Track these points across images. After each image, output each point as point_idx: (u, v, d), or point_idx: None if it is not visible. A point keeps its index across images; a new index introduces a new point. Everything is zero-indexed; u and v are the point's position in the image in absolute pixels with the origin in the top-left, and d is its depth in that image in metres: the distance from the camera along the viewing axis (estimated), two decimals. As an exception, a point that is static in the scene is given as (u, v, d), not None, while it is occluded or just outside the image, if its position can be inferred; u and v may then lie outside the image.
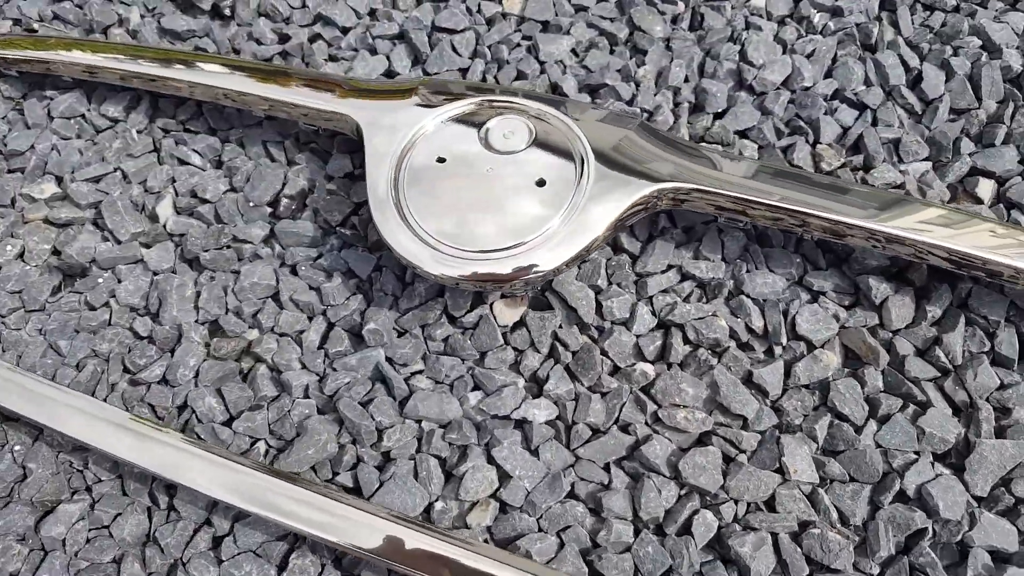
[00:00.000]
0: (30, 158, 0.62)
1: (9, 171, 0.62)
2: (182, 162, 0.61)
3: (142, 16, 0.69)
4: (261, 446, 0.50)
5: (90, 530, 0.48)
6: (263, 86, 0.58)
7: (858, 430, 0.46)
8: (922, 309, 0.49)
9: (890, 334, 0.49)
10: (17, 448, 0.51)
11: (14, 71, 0.67)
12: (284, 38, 0.67)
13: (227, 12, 0.68)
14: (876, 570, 0.42)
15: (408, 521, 0.45)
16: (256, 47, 0.66)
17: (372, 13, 0.68)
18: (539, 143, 0.52)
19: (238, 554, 0.46)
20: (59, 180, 0.62)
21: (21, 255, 0.59)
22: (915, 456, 0.44)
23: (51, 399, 0.50)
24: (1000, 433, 0.45)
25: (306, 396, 0.51)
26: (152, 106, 0.65)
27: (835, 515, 0.44)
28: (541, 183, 0.50)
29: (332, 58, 0.65)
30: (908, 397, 0.46)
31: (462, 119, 0.54)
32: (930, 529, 0.42)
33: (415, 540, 0.43)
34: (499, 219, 0.49)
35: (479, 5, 0.66)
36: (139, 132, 0.64)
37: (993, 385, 0.46)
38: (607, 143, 0.51)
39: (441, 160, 0.52)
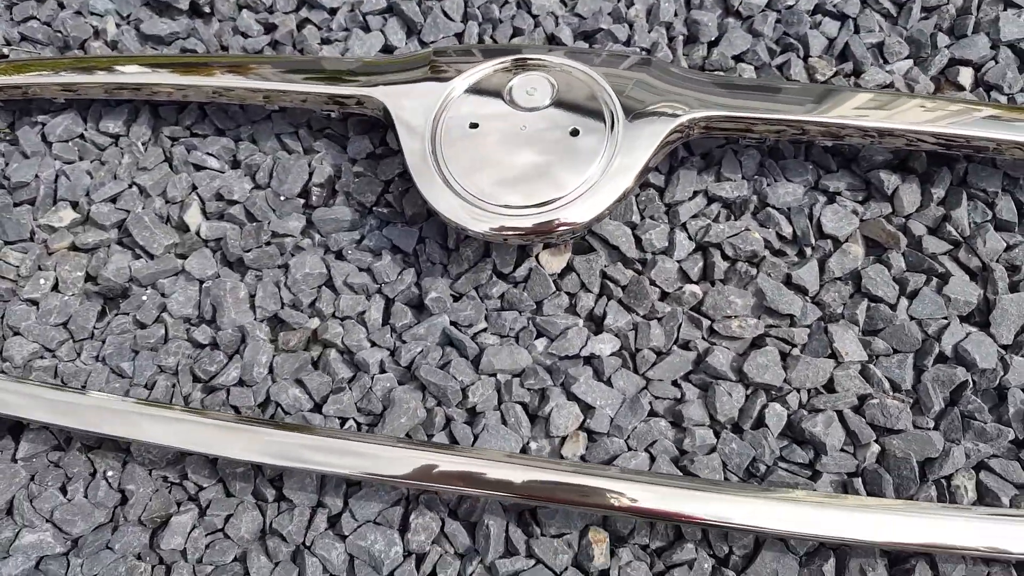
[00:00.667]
0: (37, 187, 0.60)
1: (17, 204, 0.60)
2: (198, 167, 0.61)
3: (118, 25, 0.66)
4: (351, 424, 0.52)
5: (206, 535, 0.49)
6: (282, 80, 0.57)
7: (892, 308, 0.51)
8: (928, 192, 0.54)
9: (904, 219, 0.54)
10: (110, 474, 0.51)
11: (-8, 101, 0.64)
12: (270, 28, 0.66)
13: (206, 9, 0.66)
14: (932, 424, 0.48)
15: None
16: (243, 40, 0.65)
17: (356, -10, 0.68)
18: (563, 95, 0.54)
19: (359, 527, 0.49)
20: (74, 205, 0.60)
21: (56, 286, 0.58)
22: (946, 321, 0.50)
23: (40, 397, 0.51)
24: (1014, 288, 0.51)
25: (382, 371, 0.53)
26: (153, 115, 0.63)
27: (887, 385, 0.49)
28: (575, 132, 0.53)
29: (325, 41, 0.65)
30: (930, 271, 0.52)
31: (484, 82, 0.55)
32: (971, 380, 0.49)
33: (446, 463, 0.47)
34: (544, 172, 0.51)
35: (462, -33, 0.66)
36: (144, 144, 0.62)
37: (1001, 248, 0.52)
38: (628, 86, 0.54)
39: (474, 126, 0.54)
